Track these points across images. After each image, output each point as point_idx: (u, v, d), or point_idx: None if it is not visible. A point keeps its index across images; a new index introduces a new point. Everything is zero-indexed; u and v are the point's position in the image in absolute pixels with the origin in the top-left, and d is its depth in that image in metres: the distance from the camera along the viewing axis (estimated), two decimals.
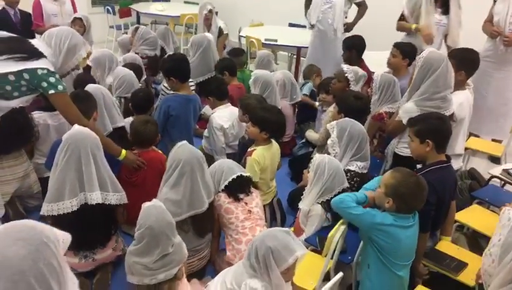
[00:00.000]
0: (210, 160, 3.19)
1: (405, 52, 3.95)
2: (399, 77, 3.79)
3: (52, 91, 2.56)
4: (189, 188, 2.37)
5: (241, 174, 2.63)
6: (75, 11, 5.16)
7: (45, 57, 2.60)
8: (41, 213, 2.41)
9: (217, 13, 6.05)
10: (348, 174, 2.78)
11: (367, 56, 4.64)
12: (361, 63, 4.46)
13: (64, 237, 1.22)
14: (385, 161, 3.45)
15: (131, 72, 4.13)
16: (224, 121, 3.66)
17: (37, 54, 2.58)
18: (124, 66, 4.33)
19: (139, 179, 2.98)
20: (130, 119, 3.51)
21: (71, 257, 2.47)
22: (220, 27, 5.90)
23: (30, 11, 4.91)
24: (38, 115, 3.14)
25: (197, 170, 2.39)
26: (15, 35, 2.77)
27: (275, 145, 3.12)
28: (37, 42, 2.69)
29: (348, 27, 5.21)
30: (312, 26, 5.30)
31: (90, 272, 2.62)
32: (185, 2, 7.89)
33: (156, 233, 1.85)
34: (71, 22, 4.82)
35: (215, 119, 3.67)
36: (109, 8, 7.08)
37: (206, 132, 3.80)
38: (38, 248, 1.11)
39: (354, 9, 5.22)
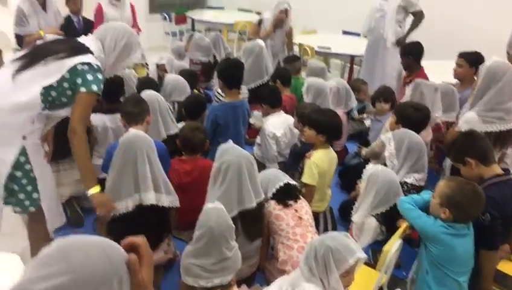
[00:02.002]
0: (261, 168, 3.19)
1: (471, 61, 3.80)
2: (468, 86, 3.65)
3: (83, 89, 2.28)
4: (236, 185, 2.36)
5: (288, 182, 2.62)
6: (134, 17, 5.32)
7: (91, 53, 2.38)
8: (97, 213, 2.47)
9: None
10: (405, 186, 2.70)
11: (427, 66, 4.49)
12: (420, 70, 4.32)
13: None
14: (442, 173, 3.32)
15: (182, 78, 4.22)
16: (277, 128, 3.65)
17: (82, 50, 2.36)
18: (180, 72, 4.44)
19: (188, 185, 3.01)
20: (183, 124, 3.58)
21: None
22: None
23: (93, 18, 5.10)
24: (98, 118, 3.24)
25: (245, 169, 2.38)
26: (62, 37, 2.69)
27: (333, 152, 3.09)
28: (84, 38, 2.50)
29: (400, 40, 5.01)
30: (365, 37, 5.23)
31: None
32: (239, 10, 7.97)
33: (215, 235, 1.86)
34: None
35: (268, 126, 3.66)
36: (166, 15, 7.27)
37: (258, 139, 3.80)
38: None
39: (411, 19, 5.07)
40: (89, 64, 2.30)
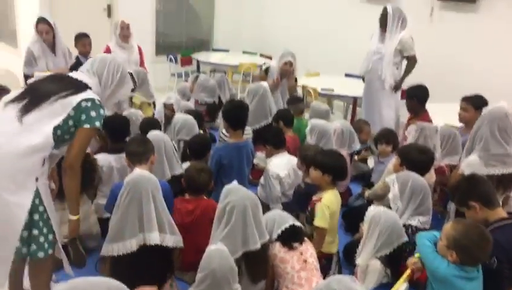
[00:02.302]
0: (265, 209, 3.19)
1: (476, 105, 3.86)
2: None
3: (86, 126, 2.30)
4: (241, 226, 2.36)
5: (293, 224, 2.61)
6: (141, 59, 5.45)
7: (90, 88, 2.40)
8: (101, 254, 2.46)
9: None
10: (409, 229, 2.69)
11: (432, 108, 4.53)
12: (424, 113, 4.37)
13: None
14: (447, 216, 3.31)
15: (191, 117, 4.28)
16: (281, 169, 3.66)
17: (81, 86, 2.37)
18: (185, 112, 4.51)
19: (190, 225, 2.98)
20: (187, 164, 3.61)
21: None
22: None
23: None
24: (102, 157, 3.28)
25: (250, 209, 2.40)
26: (55, 73, 2.60)
27: (337, 193, 3.10)
28: (79, 74, 2.49)
29: (397, 85, 5.13)
30: (363, 78, 5.33)
31: None
32: (244, 52, 8.14)
33: (218, 277, 1.85)
34: None
35: (271, 167, 3.68)
36: (172, 57, 7.43)
37: (262, 180, 3.82)
38: None
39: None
40: (92, 100, 2.33)
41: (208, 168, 3.22)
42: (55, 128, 2.25)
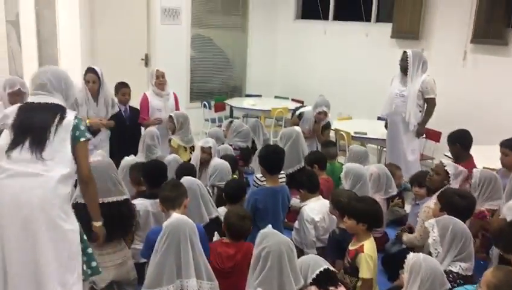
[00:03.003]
0: (299, 253, 3.16)
1: None
2: None
3: (83, 139, 2.49)
4: (276, 272, 2.35)
5: (328, 268, 2.59)
6: (177, 106, 5.59)
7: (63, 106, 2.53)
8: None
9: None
10: (451, 275, 2.61)
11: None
12: (469, 158, 4.29)
13: None
14: (490, 262, 3.19)
15: (225, 162, 4.34)
16: (315, 213, 3.64)
17: (61, 108, 2.49)
18: (221, 157, 4.58)
19: (231, 270, 2.98)
20: (222, 209, 3.64)
21: None
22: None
23: (138, 106, 5.40)
24: (140, 202, 3.35)
25: (285, 255, 2.39)
26: (28, 103, 2.58)
27: (373, 239, 3.05)
28: (44, 98, 2.50)
29: (419, 131, 5.17)
30: (385, 121, 5.41)
31: None
32: (275, 97, 8.28)
33: None
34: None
35: (306, 211, 3.66)
36: (206, 103, 7.62)
37: (296, 224, 3.79)
38: None
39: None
40: (75, 116, 2.50)
41: (249, 215, 3.20)
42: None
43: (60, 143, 2.40)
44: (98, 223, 2.72)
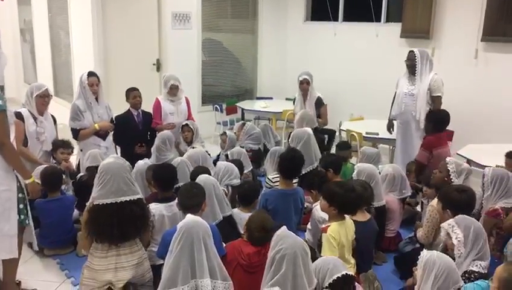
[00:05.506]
0: (313, 253, 3.17)
1: None
2: None
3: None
4: (291, 274, 2.37)
5: (346, 273, 2.56)
6: (189, 110, 5.65)
7: None
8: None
9: None
10: (472, 275, 2.61)
11: (481, 149, 4.43)
12: (440, 138, 4.40)
13: None
14: (504, 260, 3.18)
15: (232, 164, 4.43)
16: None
17: None
18: (231, 160, 4.64)
19: (260, 264, 2.79)
20: (236, 210, 3.68)
21: None
22: (319, 97, 6.22)
23: (150, 110, 5.46)
24: (154, 207, 3.40)
25: (300, 257, 2.40)
26: None
27: (348, 221, 3.13)
28: None
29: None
30: (390, 123, 5.45)
31: None
32: (286, 99, 8.29)
33: None
34: (181, 128, 5.32)
35: (317, 212, 3.67)
36: (217, 106, 7.67)
37: (309, 225, 3.81)
38: None
39: None
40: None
41: (271, 224, 3.03)
42: None
43: None
44: (27, 181, 3.20)
